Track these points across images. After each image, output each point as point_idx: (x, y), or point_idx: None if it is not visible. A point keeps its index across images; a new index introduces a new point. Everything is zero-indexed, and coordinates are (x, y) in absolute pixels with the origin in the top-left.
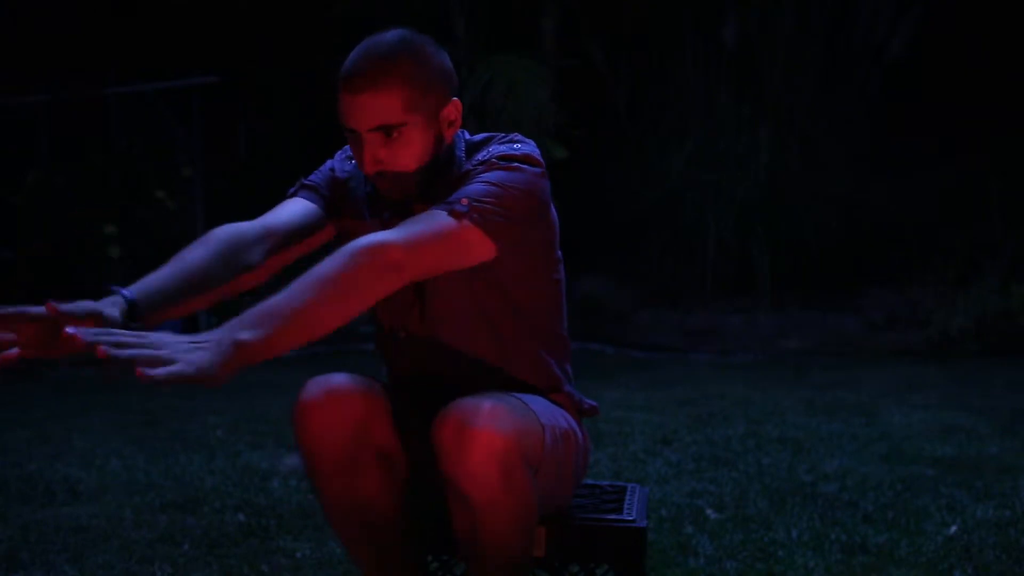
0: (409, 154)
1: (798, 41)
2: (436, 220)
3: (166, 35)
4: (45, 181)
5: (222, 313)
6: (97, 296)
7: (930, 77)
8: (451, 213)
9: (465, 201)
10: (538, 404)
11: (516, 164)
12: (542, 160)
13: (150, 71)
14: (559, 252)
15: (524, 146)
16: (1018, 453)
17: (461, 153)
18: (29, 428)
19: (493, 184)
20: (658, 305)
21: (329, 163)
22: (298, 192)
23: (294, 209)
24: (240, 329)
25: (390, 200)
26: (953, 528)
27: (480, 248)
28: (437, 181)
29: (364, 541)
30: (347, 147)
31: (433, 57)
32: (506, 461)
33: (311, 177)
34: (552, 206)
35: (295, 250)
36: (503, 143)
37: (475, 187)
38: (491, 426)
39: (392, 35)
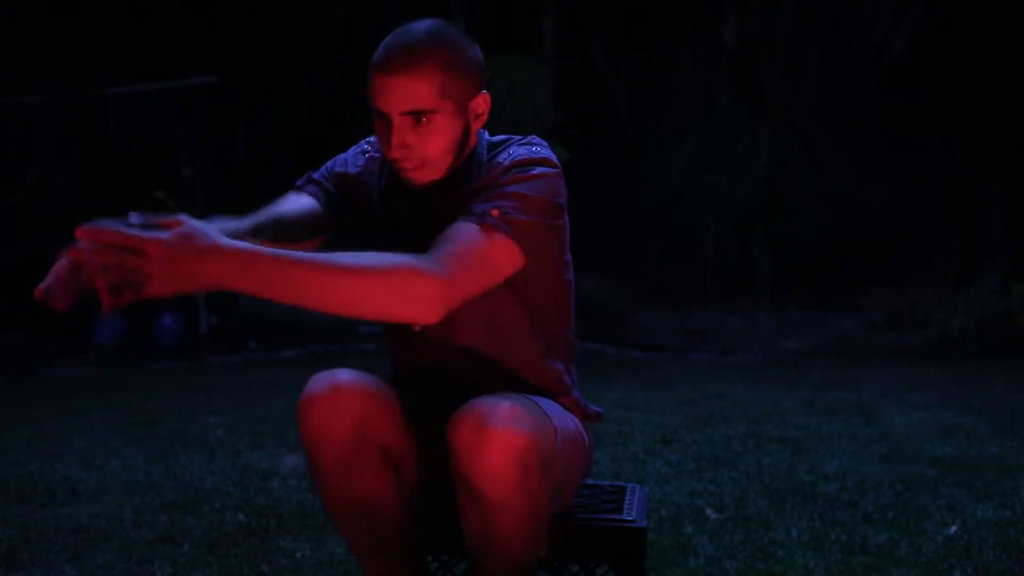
0: (437, 142)
1: (798, 41)
2: (470, 241)
3: (166, 35)
4: (45, 181)
5: (221, 311)
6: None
7: (930, 77)
8: (483, 228)
9: (496, 213)
10: (549, 406)
11: (539, 170)
12: (558, 162)
13: (150, 71)
14: (568, 255)
15: (542, 149)
16: (1018, 453)
17: (482, 150)
18: (29, 428)
19: (520, 194)
20: (658, 305)
21: (341, 156)
22: (306, 186)
23: (302, 204)
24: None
25: (408, 190)
26: (953, 528)
27: (510, 260)
28: (458, 174)
29: (365, 537)
30: (362, 142)
31: (468, 48)
32: (524, 461)
33: (320, 172)
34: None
35: (297, 246)
36: (522, 145)
37: (502, 200)
38: (511, 426)
39: (428, 23)
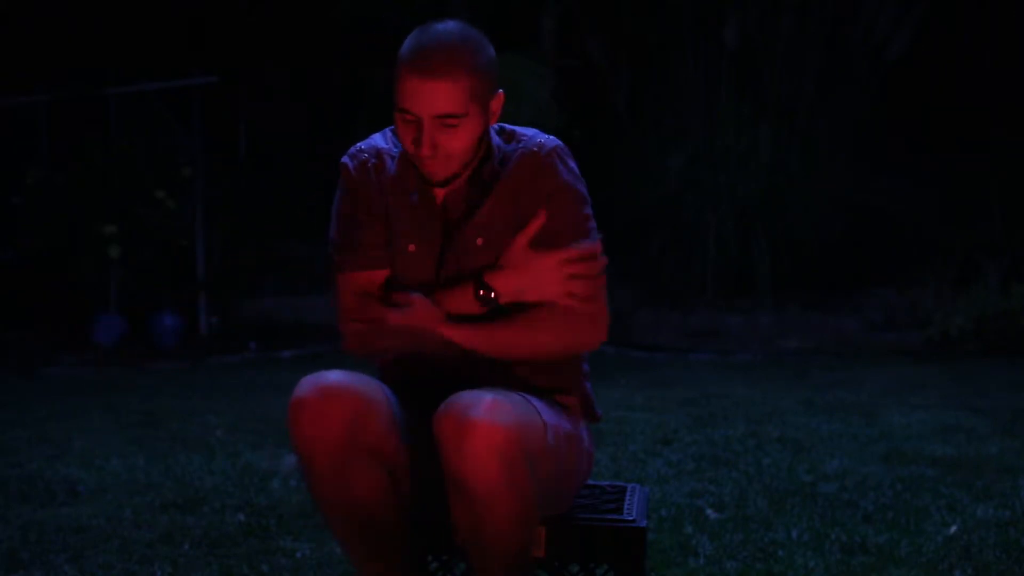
0: (463, 140)
1: (798, 41)
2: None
3: (166, 35)
4: (45, 181)
5: (221, 312)
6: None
7: (930, 77)
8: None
9: (586, 227)
10: (542, 404)
11: (572, 165)
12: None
13: (150, 71)
14: None
15: (549, 141)
16: (1018, 453)
17: (497, 140)
18: (29, 428)
19: (580, 203)
20: (658, 305)
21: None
22: None
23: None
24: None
25: (425, 179)
26: (953, 528)
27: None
28: (477, 165)
29: (359, 540)
30: (350, 151)
31: (489, 49)
32: (507, 454)
33: None
34: None
35: None
36: (536, 136)
37: (571, 216)
38: (492, 419)
39: (455, 26)
